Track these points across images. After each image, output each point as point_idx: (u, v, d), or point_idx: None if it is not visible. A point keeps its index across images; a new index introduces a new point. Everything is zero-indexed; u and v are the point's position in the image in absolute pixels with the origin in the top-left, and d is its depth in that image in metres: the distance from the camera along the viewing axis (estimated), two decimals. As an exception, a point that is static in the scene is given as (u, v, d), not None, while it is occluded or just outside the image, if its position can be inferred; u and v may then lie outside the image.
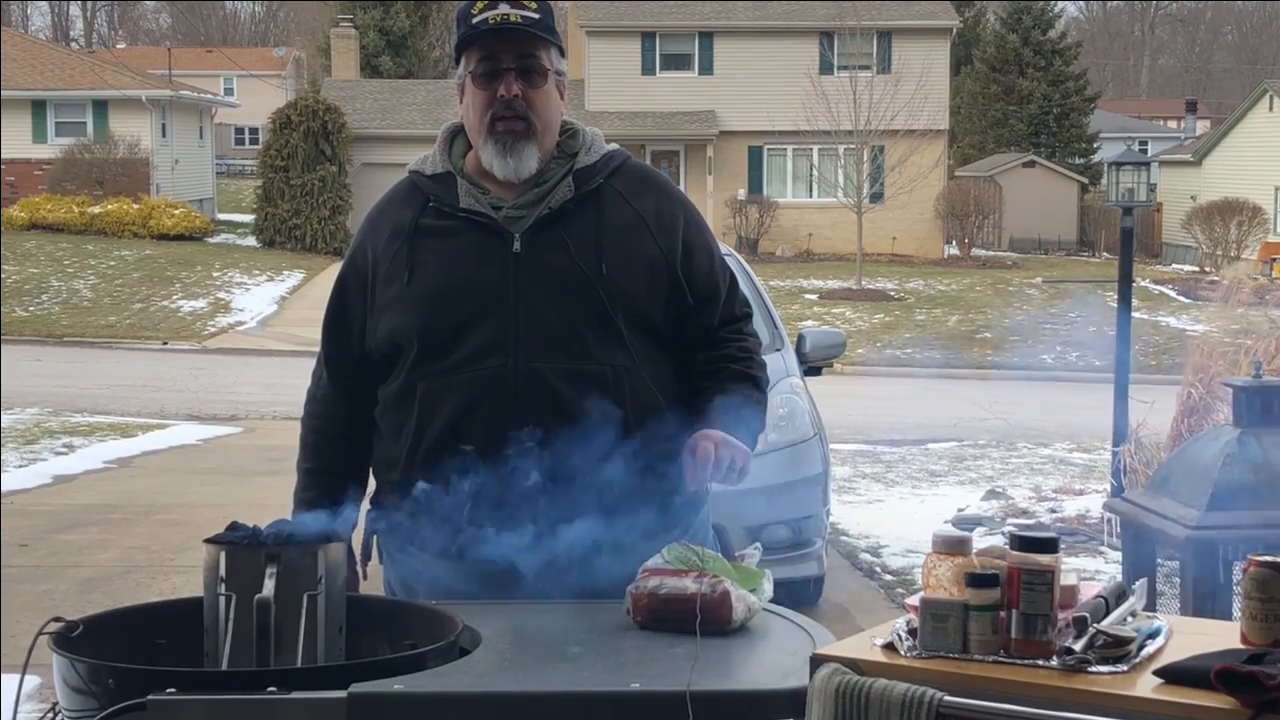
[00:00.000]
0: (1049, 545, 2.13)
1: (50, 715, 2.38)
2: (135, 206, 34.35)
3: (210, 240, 35.25)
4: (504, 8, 2.87)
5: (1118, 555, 7.55)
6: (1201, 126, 52.67)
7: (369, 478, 3.05)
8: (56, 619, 2.41)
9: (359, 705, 2.18)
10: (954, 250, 37.60)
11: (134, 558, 8.71)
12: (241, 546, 2.45)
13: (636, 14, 37.88)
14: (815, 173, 37.08)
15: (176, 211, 34.82)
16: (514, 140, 2.88)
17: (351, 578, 2.84)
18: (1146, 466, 8.35)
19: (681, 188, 9.26)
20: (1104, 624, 2.13)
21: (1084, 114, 49.74)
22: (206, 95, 44.59)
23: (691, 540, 2.81)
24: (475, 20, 2.88)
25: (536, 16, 2.89)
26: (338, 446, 3.03)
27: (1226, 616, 4.78)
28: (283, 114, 35.18)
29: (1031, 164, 43.29)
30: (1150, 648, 2.13)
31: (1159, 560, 5.73)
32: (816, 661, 2.16)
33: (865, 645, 2.19)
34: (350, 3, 48.42)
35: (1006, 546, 2.18)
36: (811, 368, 8.09)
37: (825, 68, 35.69)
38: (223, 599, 2.43)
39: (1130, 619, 2.23)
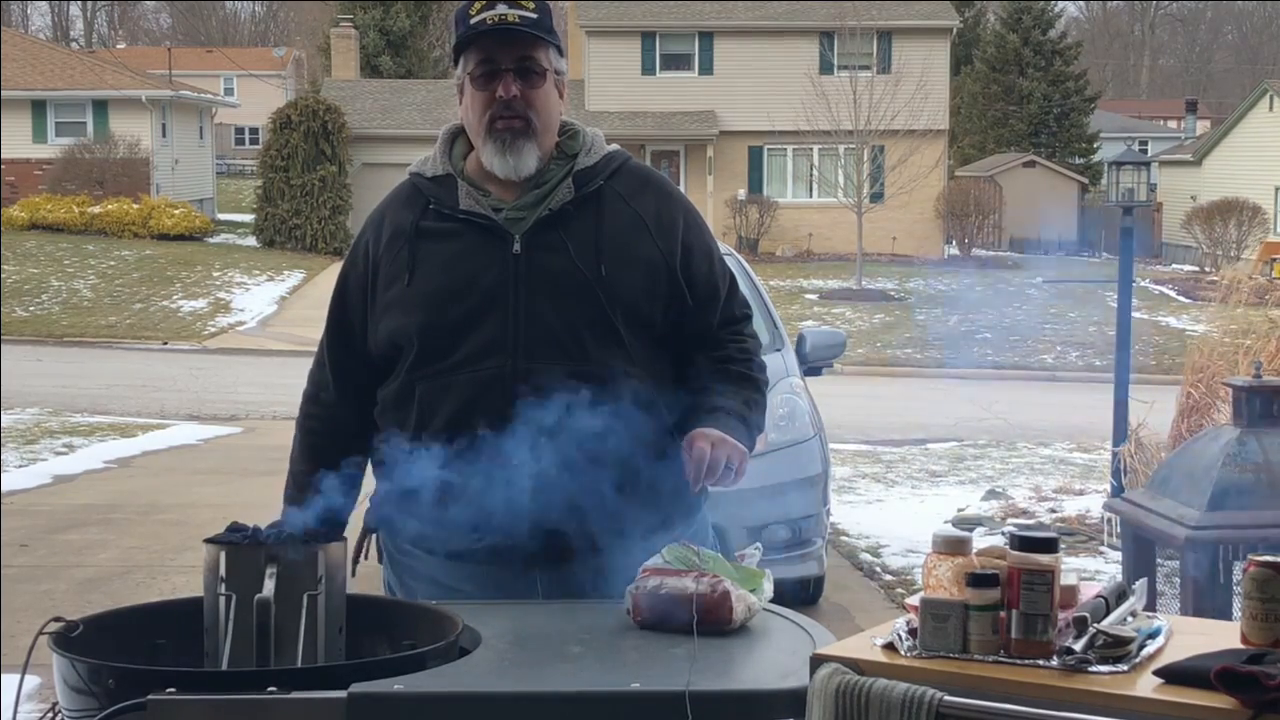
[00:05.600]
0: (1049, 545, 2.14)
1: (50, 715, 2.38)
2: (135, 206, 34.35)
3: (210, 240, 35.25)
4: (502, 8, 2.87)
5: (1118, 555, 7.56)
6: (1201, 126, 52.64)
7: (363, 478, 3.05)
8: (56, 619, 2.41)
9: (359, 705, 2.19)
10: (954, 250, 37.60)
11: (134, 558, 8.71)
12: (241, 546, 2.45)
13: (636, 14, 37.88)
14: (815, 173, 37.09)
15: (176, 211, 34.82)
16: (513, 138, 2.89)
17: None
18: (1146, 466, 8.35)
19: (681, 188, 9.26)
20: (1104, 624, 2.13)
21: (1084, 114, 49.75)
22: (206, 95, 44.60)
23: (691, 540, 2.81)
24: (473, 21, 2.88)
25: (534, 16, 2.88)
26: (335, 447, 3.03)
27: (1226, 616, 4.78)
28: (283, 114, 35.19)
29: (1031, 164, 43.30)
30: (1150, 648, 2.13)
31: (1159, 560, 5.74)
32: (816, 661, 2.16)
33: (865, 645, 2.19)
34: (350, 3, 48.40)
35: (1006, 546, 2.18)
36: (811, 368, 8.09)
37: (825, 68, 35.69)
38: (223, 599, 2.43)
39: (1130, 619, 2.23)
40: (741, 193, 36.89)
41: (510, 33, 2.87)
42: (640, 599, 2.56)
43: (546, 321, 2.84)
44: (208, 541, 2.49)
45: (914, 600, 2.19)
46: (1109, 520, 8.66)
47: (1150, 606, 2.70)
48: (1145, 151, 42.97)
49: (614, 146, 3.04)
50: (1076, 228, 42.75)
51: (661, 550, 2.67)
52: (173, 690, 2.18)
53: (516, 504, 2.74)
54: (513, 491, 2.74)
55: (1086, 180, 44.89)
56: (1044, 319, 27.11)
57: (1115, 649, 2.08)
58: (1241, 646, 2.08)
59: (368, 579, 3.03)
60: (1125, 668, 2.06)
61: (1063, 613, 2.13)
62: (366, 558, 3.03)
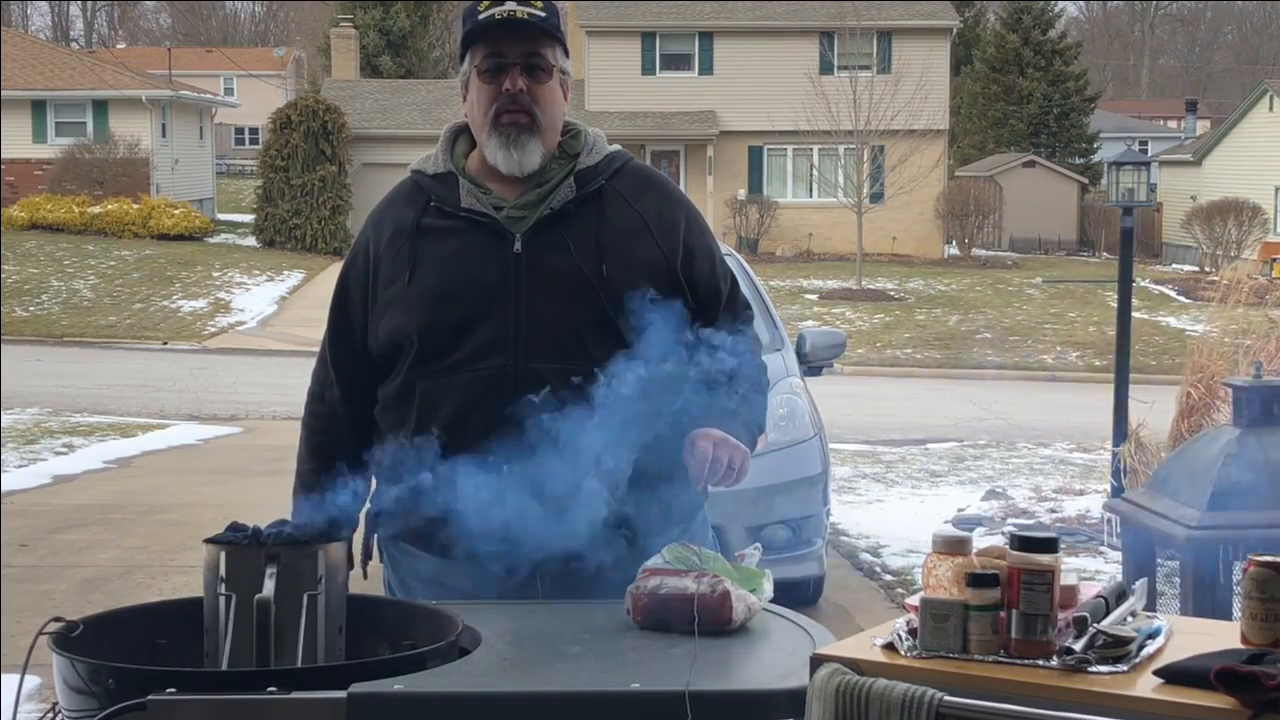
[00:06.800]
0: (1049, 545, 2.14)
1: (50, 715, 2.38)
2: (135, 206, 34.35)
3: (210, 240, 35.26)
4: (511, 4, 2.88)
5: (1118, 555, 7.56)
6: (1201, 126, 52.64)
7: (370, 477, 3.04)
8: (56, 619, 2.41)
9: (359, 705, 2.18)
10: (954, 250, 37.60)
11: (134, 558, 8.71)
12: (241, 546, 2.45)
13: (636, 14, 37.88)
14: (815, 173, 37.09)
15: (176, 211, 34.82)
16: (518, 133, 2.89)
17: None
18: (1146, 466, 8.35)
19: (681, 188, 9.26)
20: (1104, 624, 2.13)
21: (1084, 114, 49.74)
22: (206, 95, 44.61)
23: (691, 540, 2.81)
24: (482, 16, 2.89)
25: (543, 14, 2.89)
26: (340, 446, 3.02)
27: (1226, 616, 4.78)
28: (283, 114, 35.19)
29: (1031, 164, 43.29)
30: (1150, 648, 2.13)
31: (1159, 560, 5.73)
32: (816, 661, 2.16)
33: (865, 645, 2.19)
34: (350, 3, 48.42)
35: (1006, 546, 2.18)
36: (811, 368, 8.09)
37: (825, 68, 35.70)
38: (223, 599, 2.43)
39: (1130, 619, 2.23)
40: (741, 193, 36.89)
41: (519, 27, 2.88)
42: (640, 599, 2.56)
43: (547, 321, 2.84)
44: (208, 541, 2.49)
45: (914, 600, 2.19)
46: (1109, 520, 8.66)
47: (1150, 606, 2.70)
48: (1145, 151, 42.95)
49: (616, 147, 3.04)
50: (1076, 228, 42.76)
51: (661, 550, 2.67)
52: (173, 690, 2.18)
53: (516, 504, 2.74)
54: (512, 491, 2.73)
55: (1086, 180, 44.87)
56: (1044, 319, 27.12)
57: (1115, 649, 2.08)
58: (1241, 646, 2.08)
59: (368, 579, 3.03)
60: (1125, 668, 2.06)
61: (1063, 613, 2.13)
62: (374, 559, 3.03)
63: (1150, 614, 2.30)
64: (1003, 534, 8.09)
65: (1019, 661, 2.09)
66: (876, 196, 34.31)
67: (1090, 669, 2.05)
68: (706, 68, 37.64)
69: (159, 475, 11.88)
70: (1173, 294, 31.06)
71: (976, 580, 2.12)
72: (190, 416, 15.80)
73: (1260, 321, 9.18)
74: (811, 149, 36.51)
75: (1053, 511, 10.06)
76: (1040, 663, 2.08)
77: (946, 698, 2.03)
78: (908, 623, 2.20)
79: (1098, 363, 21.89)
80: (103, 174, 35.75)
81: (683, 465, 2.80)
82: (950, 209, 37.06)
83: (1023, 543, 2.14)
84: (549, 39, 2.91)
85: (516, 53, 2.89)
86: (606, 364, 2.83)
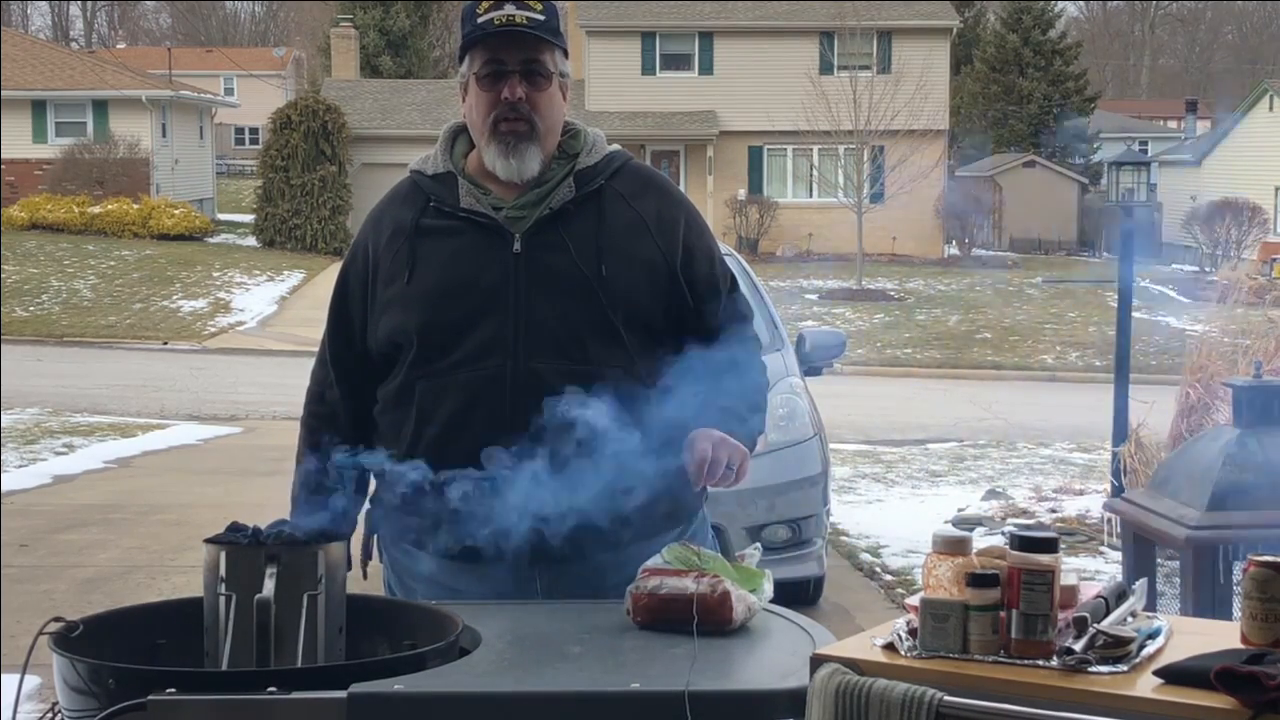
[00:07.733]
0: (1049, 545, 2.14)
1: (50, 715, 2.38)
2: (135, 206, 34.36)
3: (210, 240, 35.27)
4: (509, 8, 2.86)
5: (1118, 555, 7.55)
6: (1201, 126, 52.61)
7: (369, 478, 3.04)
8: (56, 619, 2.41)
9: (359, 705, 2.19)
10: (954, 250, 37.59)
11: (134, 558, 8.71)
12: (241, 546, 2.45)
13: (636, 14, 37.88)
14: (815, 173, 37.09)
15: (176, 211, 34.83)
16: (517, 141, 2.88)
17: None
18: (1146, 466, 8.34)
19: (681, 188, 9.25)
20: (1104, 624, 2.13)
21: (1084, 114, 49.73)
22: (206, 95, 44.61)
23: (691, 540, 2.81)
24: (480, 20, 2.88)
25: (542, 18, 2.88)
26: (340, 446, 3.02)
27: (1226, 616, 4.78)
28: (283, 114, 35.21)
29: (1031, 164, 43.28)
30: (1150, 648, 2.13)
31: (1159, 560, 5.73)
32: (816, 661, 2.16)
33: (865, 645, 2.19)
34: (350, 3, 48.43)
35: (1006, 546, 2.18)
36: (811, 368, 8.09)
37: (825, 68, 35.70)
38: (223, 599, 2.43)
39: (1130, 619, 2.23)
40: (741, 193, 36.89)
41: (517, 34, 2.86)
42: (640, 599, 2.56)
43: (546, 321, 2.84)
44: (208, 541, 2.49)
45: (914, 600, 2.19)
46: (1109, 520, 8.66)
47: (1150, 606, 2.70)
48: (1145, 151, 42.92)
49: (615, 147, 3.04)
50: (1076, 228, 42.75)
51: (661, 550, 2.67)
52: (173, 690, 2.18)
53: (516, 504, 2.74)
54: (512, 491, 2.73)
55: (1086, 180, 44.87)
56: (1044, 319, 27.12)
57: (1115, 649, 2.08)
58: (1241, 646, 2.08)
59: (368, 579, 3.03)
60: (1125, 668, 2.06)
61: (1063, 613, 2.13)
62: (374, 559, 3.03)
63: (1150, 614, 2.30)
64: (1003, 534, 8.08)
65: (1019, 661, 2.09)
66: (876, 196, 34.31)
67: (1090, 669, 2.05)
68: (706, 68, 37.64)
69: (159, 475, 11.88)
70: (1173, 294, 31.06)
71: (976, 580, 2.12)
72: (190, 416, 15.80)
73: (1260, 321, 9.18)
74: (811, 149, 36.51)
75: (1053, 511, 10.05)
76: (1040, 663, 2.08)
77: (946, 698, 2.03)
78: (908, 623, 2.20)
79: (1098, 363, 21.89)
80: (103, 174, 35.75)
81: (682, 465, 2.80)
82: (950, 209, 37.05)
83: (1023, 543, 2.14)
84: (548, 44, 2.90)
85: (515, 60, 2.88)
86: (606, 364, 2.83)
